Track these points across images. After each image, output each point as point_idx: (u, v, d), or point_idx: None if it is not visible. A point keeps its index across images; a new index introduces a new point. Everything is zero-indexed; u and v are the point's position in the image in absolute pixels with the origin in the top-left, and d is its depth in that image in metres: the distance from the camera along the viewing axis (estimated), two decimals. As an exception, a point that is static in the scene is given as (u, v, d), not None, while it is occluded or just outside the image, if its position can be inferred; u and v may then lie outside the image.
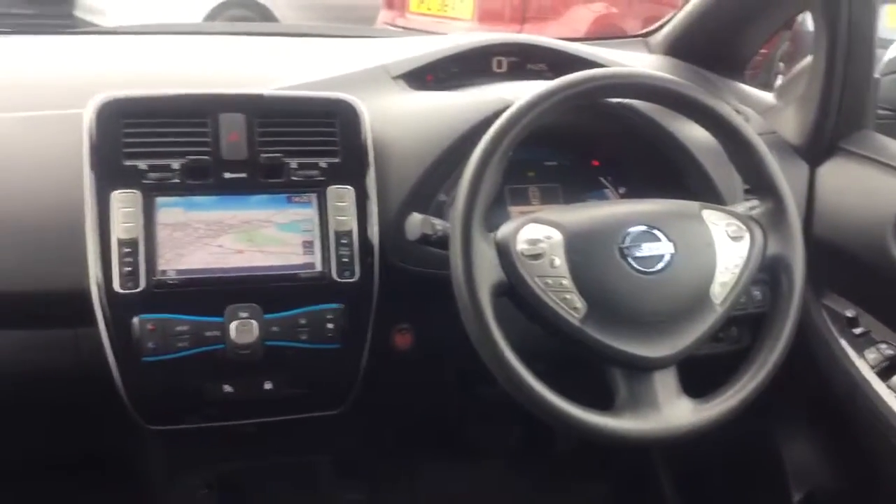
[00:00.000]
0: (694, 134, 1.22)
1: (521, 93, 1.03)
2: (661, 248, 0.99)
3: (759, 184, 1.09)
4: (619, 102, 1.19)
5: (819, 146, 1.33)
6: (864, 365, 1.24)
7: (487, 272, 0.96)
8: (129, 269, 1.03)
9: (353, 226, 1.11)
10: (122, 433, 1.20)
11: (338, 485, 1.50)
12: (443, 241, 1.01)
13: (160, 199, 1.05)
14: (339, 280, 1.10)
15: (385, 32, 3.07)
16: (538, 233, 0.98)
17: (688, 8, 1.55)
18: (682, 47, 1.58)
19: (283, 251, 1.09)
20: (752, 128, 1.09)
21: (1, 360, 1.10)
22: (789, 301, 1.04)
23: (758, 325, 1.07)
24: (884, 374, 1.22)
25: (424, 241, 1.04)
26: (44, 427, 1.34)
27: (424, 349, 1.19)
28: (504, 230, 0.99)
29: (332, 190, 1.11)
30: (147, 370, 1.04)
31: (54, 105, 1.14)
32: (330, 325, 1.09)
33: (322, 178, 1.11)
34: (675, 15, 1.61)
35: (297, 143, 1.11)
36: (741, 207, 1.09)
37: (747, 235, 1.04)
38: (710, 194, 1.21)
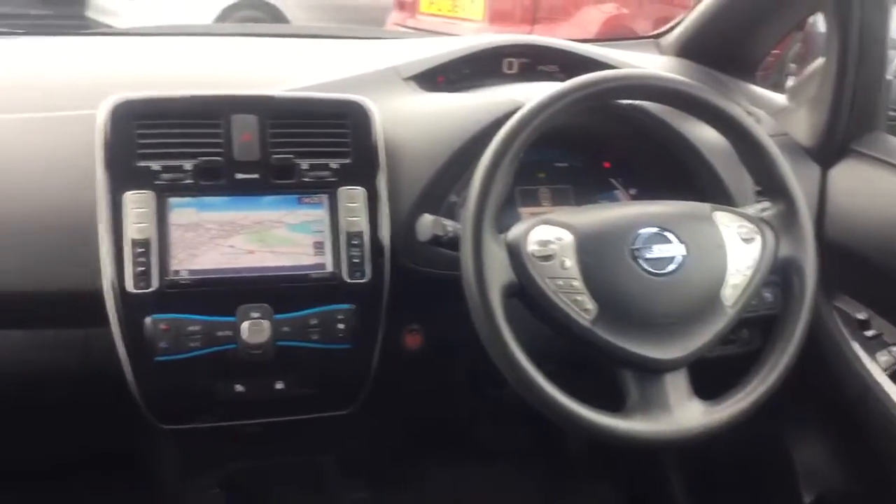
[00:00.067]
0: (705, 135, 1.22)
1: (532, 94, 1.04)
2: (673, 249, 0.99)
3: (770, 185, 1.08)
4: (630, 104, 1.19)
5: (831, 148, 1.33)
6: (875, 367, 1.24)
7: (498, 273, 0.96)
8: (142, 269, 1.03)
9: (364, 227, 1.11)
10: (134, 433, 1.21)
11: (346, 485, 1.50)
12: (454, 242, 1.02)
13: (173, 200, 1.06)
14: (349, 281, 1.10)
15: (395, 34, 3.08)
16: (549, 234, 0.98)
17: (699, 9, 1.55)
18: (694, 48, 1.58)
19: (294, 252, 1.10)
20: (763, 129, 1.08)
21: (14, 359, 1.11)
22: (801, 303, 1.04)
23: (769, 328, 1.07)
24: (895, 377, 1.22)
25: (435, 242, 1.04)
26: (55, 426, 1.35)
27: (434, 350, 1.19)
28: (515, 231, 0.99)
29: (344, 191, 1.11)
30: (159, 370, 1.05)
31: (68, 106, 1.15)
32: (341, 326, 1.10)
33: (333, 179, 1.12)
34: (686, 16, 1.60)
35: (308, 144, 1.12)
36: (752, 209, 1.09)
37: (759, 237, 1.04)
38: (721, 196, 1.21)
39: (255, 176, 1.09)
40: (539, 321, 0.99)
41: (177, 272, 1.05)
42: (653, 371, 0.98)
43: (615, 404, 0.99)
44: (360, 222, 1.11)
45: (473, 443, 1.71)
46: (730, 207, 1.08)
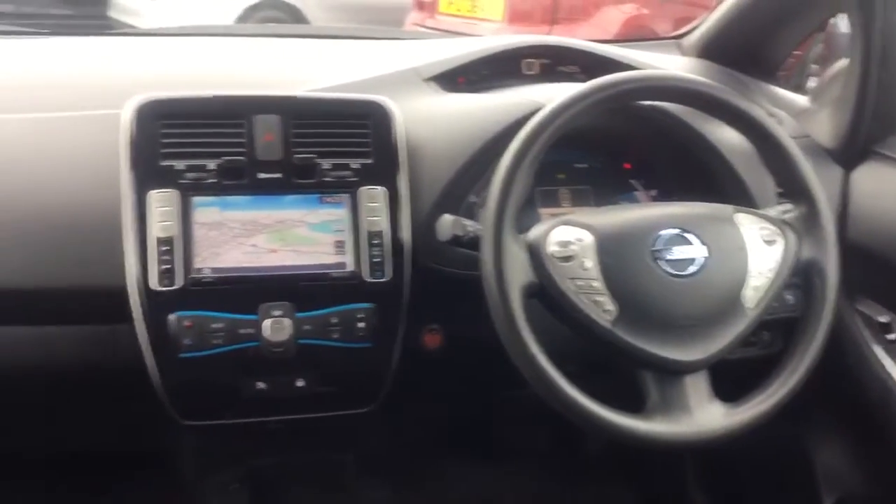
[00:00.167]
0: (727, 137, 1.22)
1: (552, 95, 1.04)
2: (694, 251, 0.99)
3: (792, 187, 1.08)
4: (651, 105, 1.19)
5: (853, 150, 1.32)
6: (897, 371, 1.23)
7: (518, 274, 0.96)
8: (167, 266, 1.04)
9: (385, 226, 1.12)
10: (157, 428, 1.22)
11: (365, 483, 1.51)
12: (473, 243, 1.02)
13: (196, 199, 1.07)
14: (370, 280, 1.11)
15: (415, 34, 3.09)
16: (569, 235, 0.98)
17: (721, 10, 1.54)
18: (715, 50, 1.57)
19: (315, 251, 1.10)
20: (785, 131, 1.08)
21: (40, 355, 1.12)
22: (822, 306, 1.04)
23: (790, 330, 1.06)
24: (918, 381, 1.21)
25: (455, 242, 1.05)
26: (80, 421, 1.37)
27: (454, 350, 1.20)
28: (535, 232, 0.99)
29: (364, 191, 1.12)
30: (183, 366, 1.06)
31: (93, 105, 1.16)
32: (361, 325, 1.10)
33: (354, 179, 1.12)
34: (707, 17, 1.60)
35: (330, 144, 1.13)
36: (774, 211, 1.09)
37: (780, 239, 1.04)
38: (742, 198, 1.21)
39: (278, 175, 1.10)
40: (559, 322, 1.00)
41: (200, 270, 1.06)
42: (673, 372, 0.98)
43: (635, 405, 0.99)
44: (381, 222, 1.12)
45: (492, 443, 1.71)
46: (751, 209, 1.08)
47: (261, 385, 1.10)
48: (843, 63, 1.37)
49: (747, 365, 1.09)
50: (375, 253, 1.11)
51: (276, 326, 1.07)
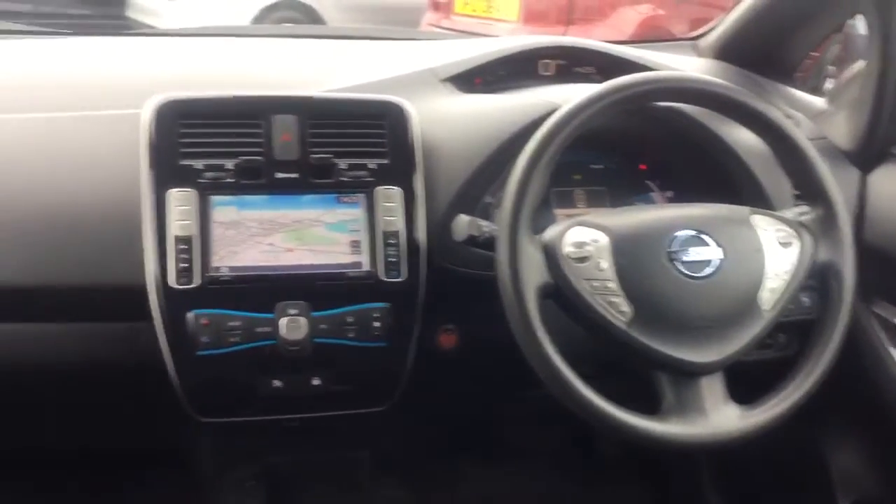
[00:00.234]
0: (743, 138, 1.22)
1: (568, 96, 1.04)
2: (710, 252, 0.99)
3: (809, 189, 1.08)
4: (667, 106, 1.19)
5: (871, 152, 1.32)
6: (914, 373, 1.23)
7: (533, 274, 0.97)
8: (185, 265, 1.05)
9: (401, 226, 1.12)
10: (174, 426, 1.23)
11: (379, 482, 1.51)
12: (489, 243, 1.02)
13: (215, 198, 1.08)
14: (385, 280, 1.11)
15: (431, 34, 3.10)
16: (585, 236, 0.99)
17: (738, 11, 1.54)
18: (732, 51, 1.57)
19: (331, 250, 1.11)
20: (802, 133, 1.08)
21: (59, 351, 1.13)
22: (839, 308, 1.04)
23: (806, 332, 1.06)
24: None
25: (471, 243, 1.05)
26: (98, 419, 1.38)
27: (469, 350, 1.20)
28: (551, 232, 1.00)
29: (381, 191, 1.12)
30: (201, 364, 1.07)
31: (113, 105, 1.17)
32: (376, 324, 1.11)
33: (371, 179, 1.13)
34: (724, 18, 1.59)
35: (346, 145, 1.13)
36: (791, 213, 1.08)
37: (797, 241, 1.03)
38: (759, 199, 1.21)
39: (295, 175, 1.11)
40: (574, 322, 1.00)
41: (218, 269, 1.07)
42: (689, 374, 0.98)
43: (649, 407, 0.99)
44: (397, 222, 1.12)
45: (507, 443, 1.72)
46: (768, 211, 1.08)
47: (277, 383, 1.11)
48: (860, 65, 1.36)
49: (763, 367, 1.09)
50: (391, 253, 1.12)
51: (292, 325, 1.07)
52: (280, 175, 1.10)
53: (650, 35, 5.05)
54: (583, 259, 0.97)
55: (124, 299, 1.07)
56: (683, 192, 1.30)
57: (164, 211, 1.06)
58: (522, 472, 1.72)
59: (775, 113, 1.08)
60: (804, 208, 1.08)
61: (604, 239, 0.98)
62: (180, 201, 1.06)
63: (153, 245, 1.05)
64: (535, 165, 0.99)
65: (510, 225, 0.97)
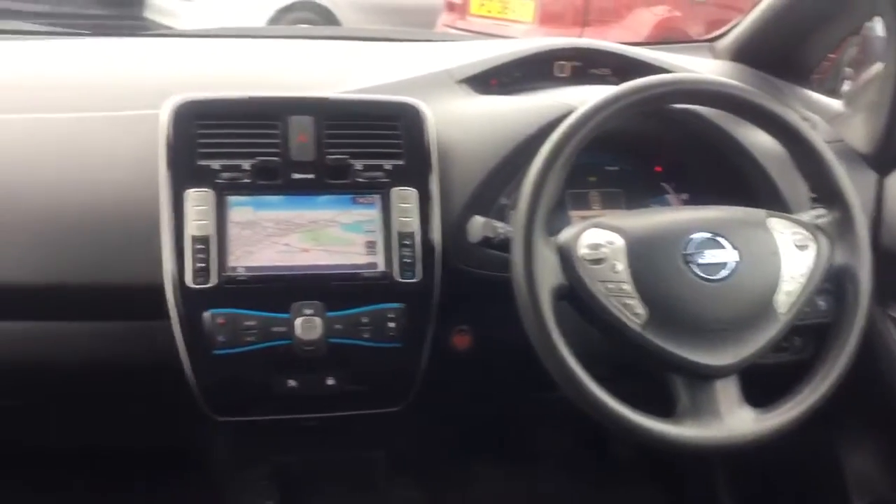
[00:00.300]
0: (760, 141, 1.21)
1: (584, 98, 1.04)
2: (725, 255, 0.99)
3: (825, 192, 1.08)
4: (683, 108, 1.18)
5: (888, 155, 1.31)
6: (929, 377, 1.22)
7: (548, 276, 0.97)
8: (202, 264, 1.06)
9: (416, 227, 1.12)
10: (190, 424, 1.23)
11: (393, 482, 1.52)
12: (504, 244, 1.03)
13: (231, 198, 1.08)
14: (400, 280, 1.11)
15: (446, 36, 3.10)
16: (600, 237, 0.99)
17: (755, 13, 1.53)
18: (749, 53, 1.56)
19: (346, 251, 1.11)
20: (819, 135, 1.08)
21: (77, 350, 1.14)
22: (855, 311, 1.03)
23: (822, 336, 1.06)
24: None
25: (486, 244, 1.06)
26: (114, 415, 1.39)
27: (483, 351, 1.20)
28: (566, 234, 1.00)
29: (396, 191, 1.13)
30: (217, 363, 1.07)
31: (131, 105, 1.18)
32: (391, 325, 1.11)
33: (386, 180, 1.13)
34: (741, 20, 1.59)
35: (362, 146, 1.14)
36: (807, 216, 1.08)
37: (813, 244, 1.03)
38: (775, 202, 1.20)
39: (311, 176, 1.11)
40: (589, 324, 1.00)
41: (234, 268, 1.08)
42: (703, 377, 0.98)
43: (663, 409, 0.99)
44: (412, 223, 1.12)
45: (520, 444, 1.72)
46: (784, 214, 1.08)
47: (292, 383, 1.11)
48: (878, 67, 1.36)
49: (778, 370, 1.09)
50: (406, 253, 1.12)
51: (307, 325, 1.08)
52: (296, 176, 1.11)
53: (666, 36, 5.04)
54: (598, 261, 0.97)
55: (141, 298, 1.08)
56: (699, 195, 1.30)
57: (182, 211, 1.06)
58: (535, 473, 1.72)
59: (792, 115, 1.07)
60: (821, 211, 1.08)
61: (619, 241, 0.98)
62: (197, 201, 1.07)
63: (170, 245, 1.06)
64: (551, 167, 0.99)
65: (525, 226, 0.97)
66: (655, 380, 1.01)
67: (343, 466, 1.43)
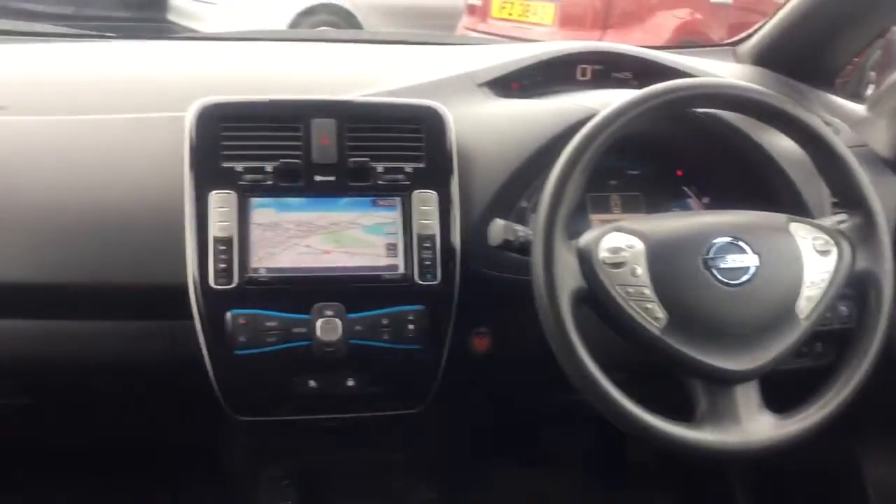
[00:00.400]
0: (782, 145, 1.21)
1: (605, 101, 1.04)
2: (747, 260, 0.99)
3: (848, 197, 1.07)
4: (705, 112, 1.18)
5: (912, 160, 1.30)
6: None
7: (568, 279, 0.97)
8: (224, 265, 1.07)
9: (436, 230, 1.13)
10: (210, 423, 1.24)
11: (411, 483, 1.52)
12: (524, 247, 1.03)
13: (254, 200, 1.09)
14: (420, 282, 1.12)
15: (468, 39, 3.10)
16: (621, 241, 0.99)
17: (779, 17, 1.53)
18: (772, 57, 1.56)
19: (367, 253, 1.12)
20: (841, 140, 1.07)
21: (100, 349, 1.15)
22: (877, 317, 1.03)
23: (843, 341, 1.05)
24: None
25: (506, 247, 1.06)
26: (137, 414, 1.40)
27: (502, 353, 1.20)
28: (586, 238, 1.00)
29: (417, 194, 1.13)
30: (238, 363, 1.08)
31: (156, 108, 1.19)
32: (411, 327, 1.11)
33: (407, 183, 1.14)
34: (764, 24, 1.58)
35: (384, 148, 1.14)
36: (829, 221, 1.08)
37: (835, 250, 1.03)
38: (797, 207, 1.20)
39: (332, 178, 1.12)
40: (608, 328, 1.00)
41: (256, 270, 1.08)
42: (723, 382, 0.98)
43: (682, 414, 0.98)
44: (433, 225, 1.13)
45: (538, 446, 1.71)
46: (806, 219, 1.07)
47: (312, 383, 1.12)
48: (902, 71, 1.35)
49: (798, 376, 1.08)
50: (426, 256, 1.12)
51: (327, 326, 1.08)
52: (318, 178, 1.12)
53: (687, 40, 5.02)
54: (618, 265, 0.97)
55: (164, 298, 1.09)
56: (720, 199, 1.29)
57: (206, 212, 1.07)
58: (553, 476, 1.72)
59: (814, 120, 1.07)
60: (843, 216, 1.08)
61: (639, 245, 0.98)
62: (221, 203, 1.08)
63: (194, 246, 1.07)
64: (572, 170, 0.99)
65: (546, 229, 0.97)
66: (675, 384, 1.00)
67: (362, 468, 1.44)
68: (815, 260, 1.01)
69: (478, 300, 1.15)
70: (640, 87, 1.05)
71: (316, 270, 1.10)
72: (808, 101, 1.45)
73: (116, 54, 1.51)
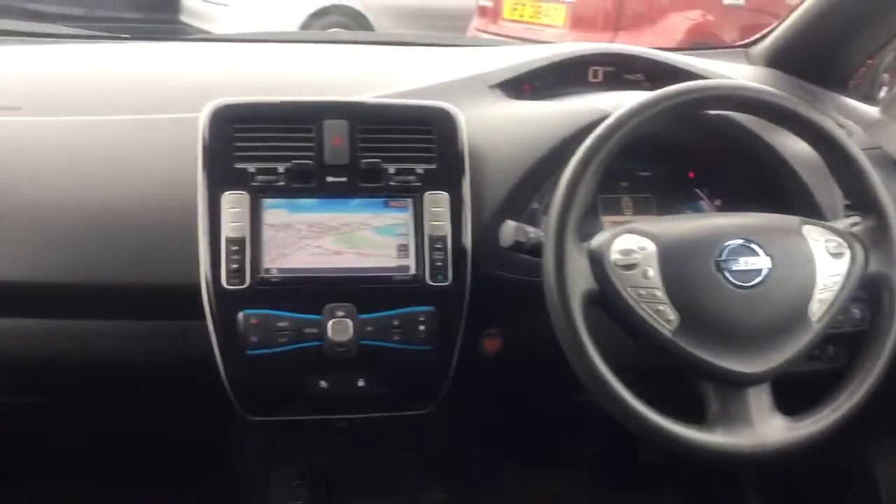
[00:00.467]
0: (795, 147, 1.20)
1: (617, 103, 1.04)
2: (759, 262, 0.99)
3: (861, 200, 1.07)
4: (718, 114, 1.18)
5: (926, 162, 1.29)
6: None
7: (580, 281, 0.97)
8: (236, 266, 1.07)
9: (448, 231, 1.13)
10: (222, 423, 1.25)
11: (421, 483, 1.52)
12: (535, 249, 1.03)
13: (266, 201, 1.10)
14: (431, 283, 1.12)
15: (479, 41, 3.11)
16: (632, 243, 0.98)
17: (792, 18, 1.52)
18: (785, 59, 1.55)
19: (378, 254, 1.12)
20: (855, 142, 1.07)
21: (112, 348, 1.16)
22: (890, 320, 1.02)
23: (856, 344, 1.05)
24: None
25: (517, 248, 1.06)
26: (148, 414, 1.41)
27: (513, 354, 1.20)
28: (598, 239, 1.00)
29: (428, 195, 1.13)
30: (250, 363, 1.08)
31: (170, 109, 1.20)
32: (422, 327, 1.12)
33: (419, 184, 1.14)
34: (777, 26, 1.58)
35: (395, 150, 1.14)
36: (842, 223, 1.07)
37: (848, 252, 1.02)
38: (810, 209, 1.19)
39: (344, 179, 1.12)
40: (619, 330, 1.00)
41: (268, 270, 1.09)
42: (735, 384, 0.98)
43: (694, 416, 0.98)
44: (444, 227, 1.13)
45: (548, 447, 1.71)
46: (819, 221, 1.07)
47: (323, 384, 1.12)
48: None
49: (811, 379, 1.08)
50: (438, 257, 1.12)
51: (338, 327, 1.09)
52: (330, 179, 1.12)
53: (699, 41, 5.01)
54: (630, 266, 0.97)
55: (176, 298, 1.10)
56: (732, 201, 1.29)
57: (218, 213, 1.08)
58: (563, 477, 1.72)
59: (827, 122, 1.07)
60: (856, 219, 1.07)
61: (651, 247, 0.98)
62: (233, 204, 1.08)
63: (206, 246, 1.07)
64: (584, 172, 0.99)
65: (557, 231, 0.97)
66: (686, 386, 1.00)
67: (372, 468, 1.44)
68: (827, 262, 1.01)
69: (489, 301, 1.15)
70: (652, 88, 1.05)
71: (327, 271, 1.11)
72: (821, 104, 1.45)
73: (129, 55, 1.52)
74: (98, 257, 1.11)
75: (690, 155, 1.32)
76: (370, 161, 1.13)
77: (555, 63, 1.38)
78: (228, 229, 1.07)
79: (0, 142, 1.17)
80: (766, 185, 1.24)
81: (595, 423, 1.40)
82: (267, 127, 1.12)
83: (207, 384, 1.11)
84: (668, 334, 0.96)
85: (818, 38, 1.50)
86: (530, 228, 1.05)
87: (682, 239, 1.00)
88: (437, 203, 1.13)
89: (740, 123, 1.21)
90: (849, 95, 1.54)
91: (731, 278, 0.97)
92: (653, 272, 0.97)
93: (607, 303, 0.98)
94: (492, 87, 1.32)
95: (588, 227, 1.03)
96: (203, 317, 1.08)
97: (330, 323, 1.09)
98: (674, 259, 0.98)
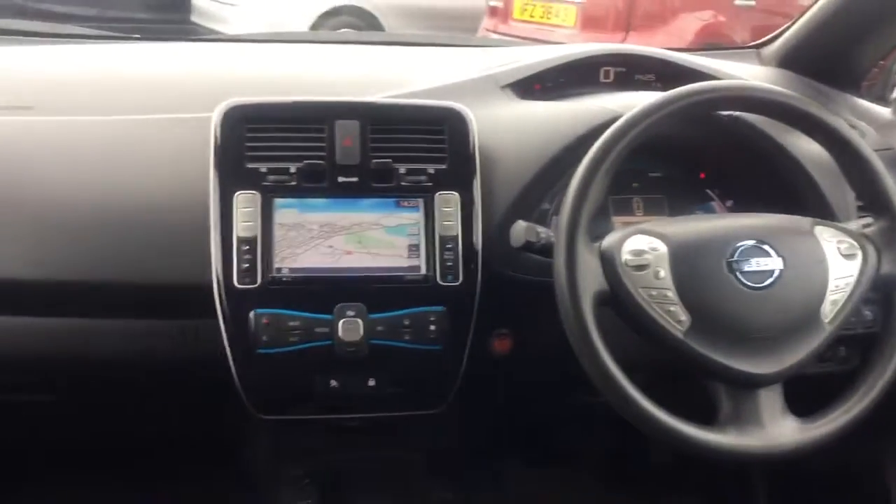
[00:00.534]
0: (807, 148, 1.20)
1: (629, 104, 1.04)
2: (771, 263, 0.98)
3: (873, 201, 1.06)
4: (730, 115, 1.18)
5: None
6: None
7: (590, 281, 0.97)
8: (248, 265, 1.08)
9: (458, 231, 1.13)
10: (232, 421, 1.25)
11: (431, 483, 1.52)
12: (546, 249, 1.03)
13: (278, 201, 1.10)
14: (442, 283, 1.12)
15: (489, 41, 3.11)
16: (643, 244, 0.98)
17: (804, 19, 1.51)
18: (796, 59, 1.55)
19: (389, 253, 1.12)
20: (867, 143, 1.06)
21: (123, 347, 1.16)
22: None
23: (867, 346, 1.05)
24: None
25: (528, 249, 1.06)
26: (159, 412, 1.42)
27: (523, 354, 1.20)
28: (609, 240, 1.00)
29: (439, 196, 1.14)
30: (261, 362, 1.09)
31: (182, 109, 1.21)
32: (432, 327, 1.12)
33: (430, 184, 1.14)
34: (789, 26, 1.57)
35: (407, 150, 1.15)
36: (854, 225, 1.07)
37: (860, 253, 1.02)
38: (822, 210, 1.19)
39: (355, 179, 1.13)
40: (630, 330, 1.00)
41: (279, 270, 1.09)
42: (746, 385, 0.97)
43: (705, 416, 0.98)
44: (455, 227, 1.13)
45: (557, 448, 1.71)
46: (831, 222, 1.07)
47: (334, 383, 1.13)
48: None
49: (822, 380, 1.07)
50: (448, 257, 1.13)
51: (349, 326, 1.09)
52: (341, 179, 1.12)
53: (710, 42, 4.99)
54: (641, 267, 0.97)
55: (188, 297, 1.10)
56: (744, 202, 1.29)
57: (230, 212, 1.08)
58: (572, 478, 1.72)
59: (840, 123, 1.06)
60: (868, 220, 1.07)
61: (663, 247, 0.98)
62: (245, 203, 1.09)
63: (218, 245, 1.08)
64: (596, 172, 0.99)
65: (568, 231, 0.97)
66: (697, 387, 1.00)
67: (382, 467, 1.44)
68: (839, 263, 1.01)
69: (499, 301, 1.15)
70: (663, 89, 1.05)
71: (338, 271, 1.11)
72: (833, 104, 1.44)
73: (140, 55, 1.52)
74: (111, 256, 1.12)
75: (702, 156, 1.31)
76: (381, 161, 1.13)
77: (566, 63, 1.38)
78: (240, 229, 1.08)
79: (12, 141, 1.18)
80: (777, 186, 1.24)
81: (605, 424, 1.39)
82: (278, 127, 1.13)
83: (218, 383, 1.12)
84: (680, 335, 0.96)
85: (830, 38, 1.49)
86: (541, 229, 1.05)
87: (693, 239, 1.00)
88: (448, 203, 1.14)
89: (752, 124, 1.21)
90: (861, 96, 1.54)
91: (742, 279, 0.97)
92: (664, 273, 0.97)
93: (618, 303, 0.98)
94: (503, 87, 1.32)
95: (599, 227, 1.03)
96: (214, 316, 1.09)
97: (341, 322, 1.09)
98: (685, 260, 0.97)
